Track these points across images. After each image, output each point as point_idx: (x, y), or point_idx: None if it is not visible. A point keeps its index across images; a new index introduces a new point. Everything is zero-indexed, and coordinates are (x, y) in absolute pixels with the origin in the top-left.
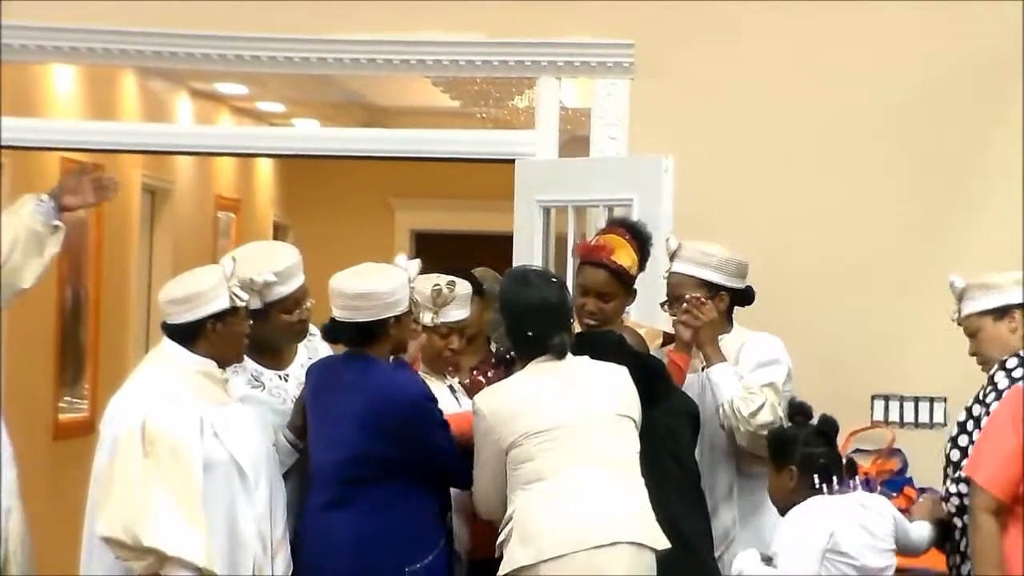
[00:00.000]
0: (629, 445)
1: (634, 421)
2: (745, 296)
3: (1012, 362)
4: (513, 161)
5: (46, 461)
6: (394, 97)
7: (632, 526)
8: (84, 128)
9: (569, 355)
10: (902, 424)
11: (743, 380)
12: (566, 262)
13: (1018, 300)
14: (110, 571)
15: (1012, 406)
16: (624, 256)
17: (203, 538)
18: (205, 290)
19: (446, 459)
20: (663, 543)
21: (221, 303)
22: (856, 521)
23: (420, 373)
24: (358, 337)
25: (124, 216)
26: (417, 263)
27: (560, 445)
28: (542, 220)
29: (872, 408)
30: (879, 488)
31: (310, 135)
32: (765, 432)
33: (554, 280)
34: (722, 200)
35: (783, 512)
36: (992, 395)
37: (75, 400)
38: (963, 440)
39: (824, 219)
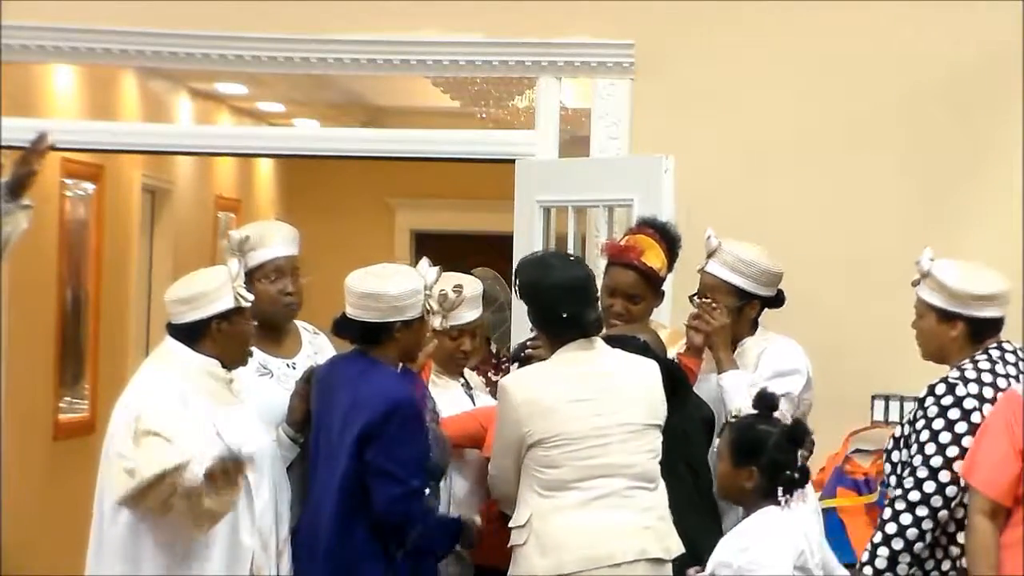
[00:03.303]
0: (653, 455)
1: (660, 425)
2: (775, 301)
3: (941, 388)
4: (513, 161)
5: (46, 461)
6: (394, 97)
7: (649, 541)
8: (84, 128)
9: (602, 344)
10: (902, 424)
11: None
12: None
13: (965, 314)
14: (115, 572)
15: (1006, 410)
16: (654, 257)
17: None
18: (210, 290)
19: (382, 476)
20: (678, 550)
21: (226, 303)
22: (818, 536)
23: (433, 374)
24: (363, 336)
25: (124, 216)
26: (436, 270)
27: (586, 455)
28: (542, 220)
29: (872, 408)
30: (879, 488)
31: (310, 135)
32: None
33: (573, 258)
34: (722, 200)
35: (733, 501)
36: (921, 421)
37: (75, 400)
38: (895, 456)
39: (824, 219)
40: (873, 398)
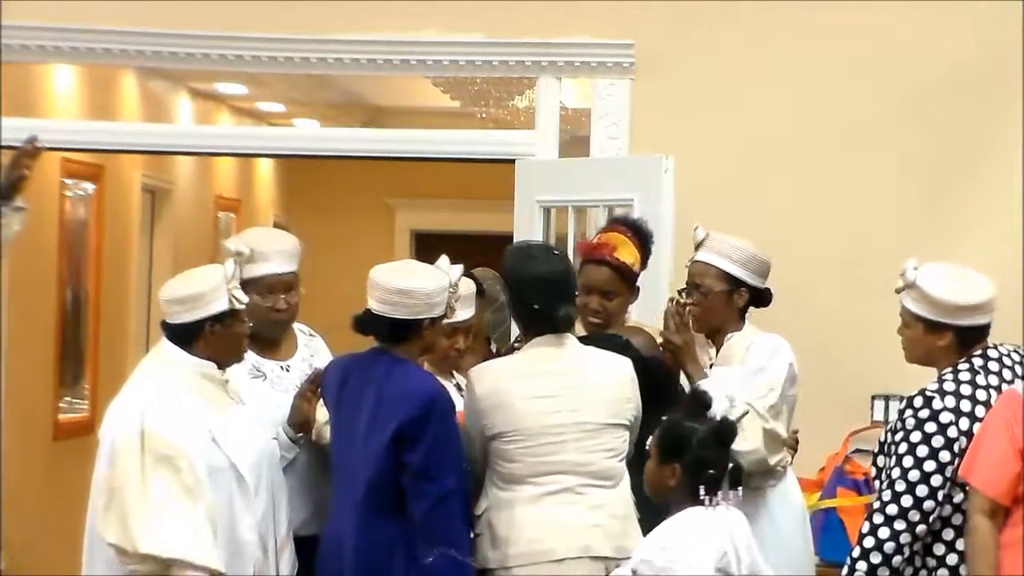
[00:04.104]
0: (612, 453)
1: (626, 424)
2: (762, 296)
3: (918, 401)
4: (513, 161)
5: (46, 461)
6: (394, 97)
7: (596, 539)
8: (84, 128)
9: (573, 341)
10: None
11: (731, 399)
12: None
13: (953, 324)
14: (111, 572)
15: (1006, 409)
16: (626, 253)
17: (206, 538)
18: (205, 292)
19: (422, 479)
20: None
21: (220, 305)
22: (746, 540)
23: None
24: (391, 333)
25: (124, 216)
26: (459, 268)
27: (540, 451)
28: (542, 220)
29: (872, 408)
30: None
31: (310, 135)
32: (747, 447)
33: (556, 252)
34: (722, 200)
35: (659, 499)
36: (900, 433)
37: (75, 400)
38: (880, 460)
39: (824, 219)
40: (873, 398)
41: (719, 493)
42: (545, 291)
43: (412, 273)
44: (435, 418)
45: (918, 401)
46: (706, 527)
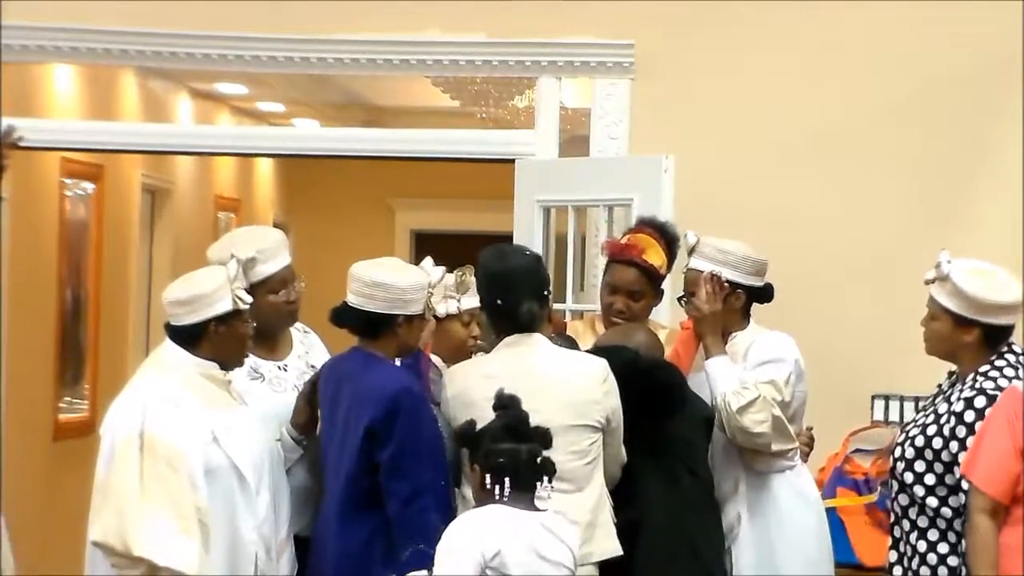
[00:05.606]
0: (576, 456)
1: (594, 426)
2: (763, 294)
3: (981, 401)
4: (513, 161)
5: (46, 461)
6: (394, 97)
7: None
8: (84, 128)
9: (544, 343)
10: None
11: (742, 375)
12: (566, 262)
13: (983, 321)
14: (113, 573)
15: (1007, 407)
16: (654, 255)
17: (196, 547)
18: (208, 292)
19: (394, 477)
20: (599, 555)
21: (224, 305)
22: (529, 541)
23: (438, 369)
24: (364, 327)
25: (124, 216)
26: (441, 270)
27: None
28: (542, 220)
29: (872, 408)
30: (879, 488)
31: (310, 135)
32: (756, 429)
33: (527, 252)
34: (722, 200)
35: (479, 503)
36: (973, 439)
37: (75, 400)
38: (919, 466)
39: (824, 219)
40: (873, 398)
41: (507, 482)
42: (508, 287)
43: (389, 268)
44: (402, 416)
45: (980, 401)
46: (481, 525)
